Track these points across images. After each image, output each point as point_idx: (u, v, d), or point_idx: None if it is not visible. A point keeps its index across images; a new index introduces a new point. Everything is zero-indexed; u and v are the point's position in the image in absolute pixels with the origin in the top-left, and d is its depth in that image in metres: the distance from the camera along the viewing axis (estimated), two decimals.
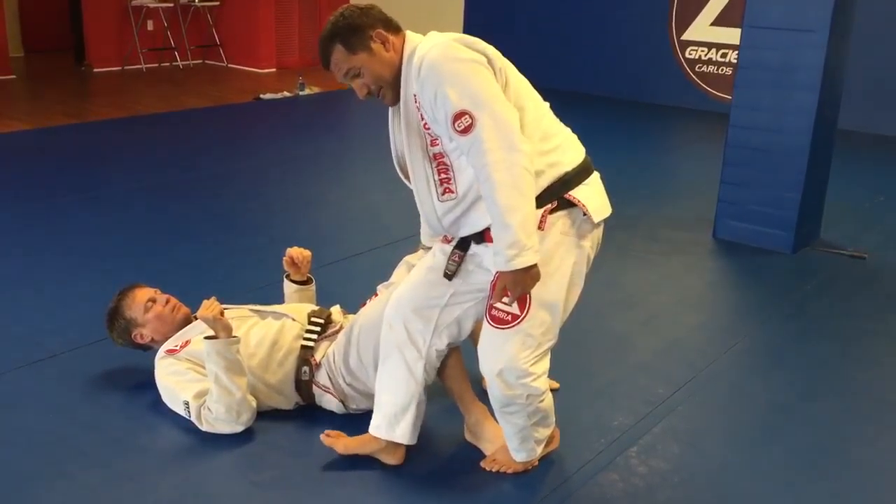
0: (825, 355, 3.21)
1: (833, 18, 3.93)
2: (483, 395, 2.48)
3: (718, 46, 7.89)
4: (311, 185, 5.29)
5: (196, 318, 2.71)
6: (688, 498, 2.33)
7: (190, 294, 2.87)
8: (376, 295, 2.57)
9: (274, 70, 9.97)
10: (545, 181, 2.12)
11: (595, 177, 2.23)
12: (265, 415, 2.55)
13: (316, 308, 2.75)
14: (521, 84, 2.16)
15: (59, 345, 3.01)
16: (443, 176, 2.15)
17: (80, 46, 9.44)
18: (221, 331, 2.45)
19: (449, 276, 2.23)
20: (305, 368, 2.56)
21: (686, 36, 8.08)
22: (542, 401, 2.24)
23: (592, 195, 2.18)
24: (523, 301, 2.11)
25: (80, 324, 3.16)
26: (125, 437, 2.49)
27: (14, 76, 8.66)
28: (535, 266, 2.04)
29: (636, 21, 8.29)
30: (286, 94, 8.28)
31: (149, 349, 2.72)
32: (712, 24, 7.90)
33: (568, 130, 2.25)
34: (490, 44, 2.15)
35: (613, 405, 2.77)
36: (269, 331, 2.60)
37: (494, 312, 2.14)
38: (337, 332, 2.63)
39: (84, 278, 3.64)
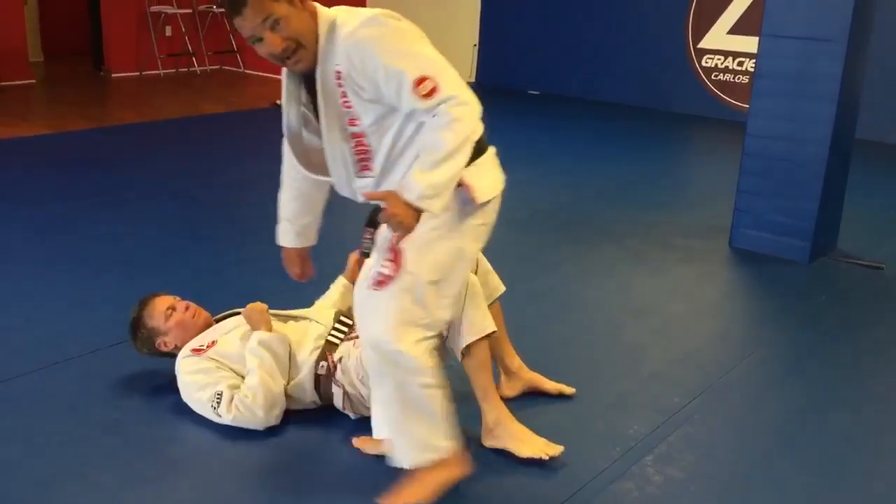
0: (842, 365, 3.19)
1: (851, 28, 3.92)
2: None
3: (735, 55, 7.87)
4: None
5: (217, 322, 2.74)
6: None
7: (208, 299, 2.89)
8: None
9: None
10: None
11: (486, 156, 2.18)
12: (285, 421, 2.56)
13: (345, 309, 2.77)
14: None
15: (77, 347, 3.04)
16: (361, 156, 2.15)
17: (99, 52, 9.52)
18: (262, 326, 2.56)
19: (366, 254, 2.21)
20: (323, 364, 2.58)
21: (702, 44, 8.07)
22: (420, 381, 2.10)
23: (479, 175, 2.13)
24: (397, 263, 2.05)
25: (99, 327, 3.19)
26: (143, 441, 2.51)
27: (34, 81, 8.74)
28: (429, 217, 2.01)
29: (653, 29, 8.28)
30: None
31: (173, 357, 2.73)
32: (729, 33, 7.88)
33: None
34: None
35: (628, 414, 2.76)
36: (292, 333, 2.64)
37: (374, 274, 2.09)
38: None
39: (102, 282, 3.67)
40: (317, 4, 2.09)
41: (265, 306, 2.63)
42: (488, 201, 2.17)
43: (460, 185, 2.08)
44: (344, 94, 2.06)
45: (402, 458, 2.18)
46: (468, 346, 2.38)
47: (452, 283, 2.16)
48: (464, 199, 2.12)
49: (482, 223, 2.21)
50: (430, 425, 2.15)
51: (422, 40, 2.05)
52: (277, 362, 2.53)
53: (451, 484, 2.21)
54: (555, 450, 2.41)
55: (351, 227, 3.90)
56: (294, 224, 2.50)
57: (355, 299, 2.15)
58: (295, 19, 1.99)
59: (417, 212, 1.98)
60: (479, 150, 2.13)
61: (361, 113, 2.07)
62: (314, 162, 2.25)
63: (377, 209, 2.11)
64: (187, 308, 2.75)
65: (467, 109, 2.01)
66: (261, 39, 2.00)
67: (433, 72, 1.99)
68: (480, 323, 2.39)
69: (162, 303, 2.75)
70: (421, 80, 1.97)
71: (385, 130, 2.10)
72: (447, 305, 2.16)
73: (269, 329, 2.59)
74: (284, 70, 2.17)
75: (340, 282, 2.94)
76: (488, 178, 2.18)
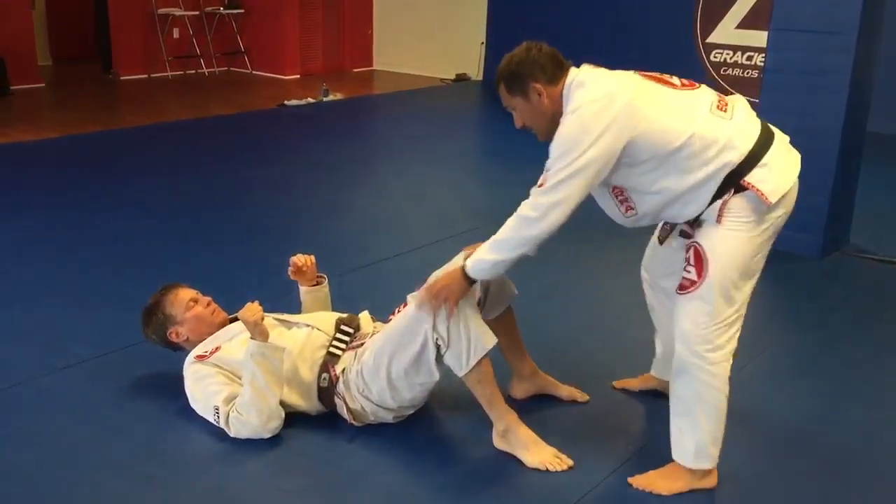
0: (854, 362, 3.16)
1: (861, 20, 3.89)
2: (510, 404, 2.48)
3: (744, 49, 7.82)
4: (335, 190, 5.31)
5: (230, 322, 2.73)
6: None
7: (215, 300, 2.87)
8: (405, 304, 2.56)
9: (298, 77, 10.03)
10: (714, 184, 2.16)
11: (772, 152, 2.19)
12: (291, 423, 2.55)
13: (345, 316, 2.73)
14: (660, 125, 2.20)
15: (87, 350, 3.04)
16: (622, 200, 2.29)
17: (107, 55, 9.55)
18: (259, 336, 2.48)
19: (661, 240, 2.47)
20: (325, 375, 2.55)
21: (711, 39, 8.03)
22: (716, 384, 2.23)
23: (766, 177, 2.15)
24: (701, 266, 2.18)
25: (109, 329, 3.19)
26: (152, 443, 2.50)
27: (42, 84, 8.77)
28: (464, 283, 2.29)
29: (661, 24, 8.24)
30: (310, 100, 8.32)
31: (180, 349, 2.73)
32: (738, 27, 7.84)
33: (735, 121, 2.24)
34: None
35: (640, 412, 2.74)
36: (295, 341, 2.60)
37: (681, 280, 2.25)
38: (364, 341, 2.61)
39: (112, 284, 3.67)
40: (571, 71, 2.29)
41: (259, 309, 2.51)
42: (782, 197, 2.17)
43: (747, 188, 2.14)
44: None
45: (681, 454, 2.30)
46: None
47: (751, 280, 2.24)
48: (755, 201, 2.15)
49: (777, 215, 2.21)
50: (711, 433, 2.28)
51: (590, 151, 2.13)
52: (271, 374, 2.46)
53: (697, 490, 2.31)
54: (562, 464, 2.39)
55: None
56: None
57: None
58: (524, 114, 2.29)
59: (466, 278, 2.30)
60: (765, 144, 2.19)
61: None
62: None
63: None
64: (209, 304, 2.76)
65: (535, 217, 2.17)
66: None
67: (556, 174, 2.14)
68: (483, 340, 2.37)
69: (185, 293, 2.76)
70: (545, 173, 2.19)
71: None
72: (746, 300, 2.24)
73: (265, 335, 2.50)
74: None
75: (326, 288, 2.98)
76: (776, 174, 2.17)
